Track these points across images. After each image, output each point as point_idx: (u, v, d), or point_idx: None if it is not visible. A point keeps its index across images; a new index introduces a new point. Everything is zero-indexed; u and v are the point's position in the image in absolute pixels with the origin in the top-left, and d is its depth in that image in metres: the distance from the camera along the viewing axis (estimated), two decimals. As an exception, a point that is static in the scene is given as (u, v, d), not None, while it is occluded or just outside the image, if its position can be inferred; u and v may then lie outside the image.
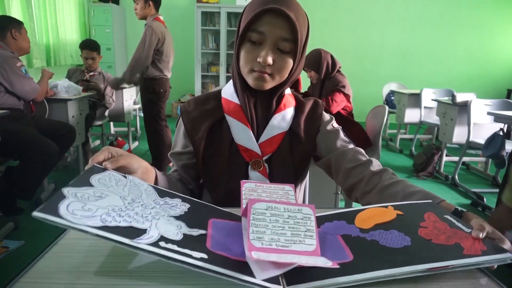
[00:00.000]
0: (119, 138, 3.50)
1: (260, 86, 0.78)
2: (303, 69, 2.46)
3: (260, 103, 0.84)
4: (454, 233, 0.54)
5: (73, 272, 0.50)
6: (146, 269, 0.51)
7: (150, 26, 2.63)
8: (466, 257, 0.49)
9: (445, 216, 0.59)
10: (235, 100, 0.84)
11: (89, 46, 3.10)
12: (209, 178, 0.87)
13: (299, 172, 0.90)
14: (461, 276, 0.51)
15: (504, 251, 0.50)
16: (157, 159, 2.96)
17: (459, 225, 0.56)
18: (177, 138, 0.91)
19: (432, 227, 0.57)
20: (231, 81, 0.88)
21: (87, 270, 0.50)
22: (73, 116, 2.67)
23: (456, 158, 3.33)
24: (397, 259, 0.49)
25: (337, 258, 0.51)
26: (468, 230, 0.54)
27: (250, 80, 0.79)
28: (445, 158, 3.36)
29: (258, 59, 0.75)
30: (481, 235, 0.52)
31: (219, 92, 0.90)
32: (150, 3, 2.66)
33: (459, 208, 0.62)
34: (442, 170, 3.33)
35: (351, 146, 0.87)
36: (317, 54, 2.35)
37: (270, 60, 0.74)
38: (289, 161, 0.85)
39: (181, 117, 0.89)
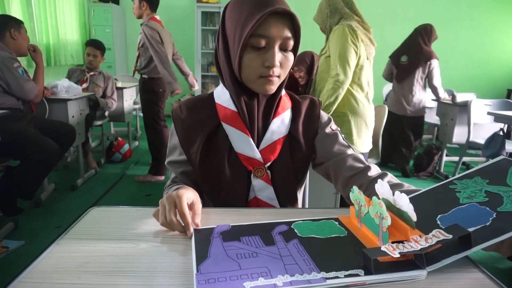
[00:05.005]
0: (119, 138, 3.49)
1: (269, 90, 0.75)
2: (292, 69, 2.51)
3: (260, 109, 0.81)
4: None
5: (73, 272, 0.50)
6: (146, 269, 0.51)
7: (146, 25, 2.65)
8: (379, 274, 0.48)
9: None
10: (232, 107, 0.80)
11: (94, 44, 3.18)
12: (209, 187, 0.84)
13: (300, 175, 0.88)
14: (461, 276, 0.51)
15: (420, 268, 0.50)
16: (157, 159, 2.95)
17: None
18: (172, 146, 0.88)
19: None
20: (221, 86, 0.83)
21: (87, 270, 0.50)
22: (73, 116, 2.67)
23: (456, 158, 3.33)
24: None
25: None
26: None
27: (257, 86, 0.75)
28: (445, 158, 3.36)
29: (265, 64, 0.72)
30: None
31: (211, 96, 0.85)
32: (144, 3, 2.69)
33: None
34: (442, 170, 3.33)
35: (349, 150, 0.85)
36: (310, 56, 2.44)
37: (278, 63, 0.73)
38: (290, 165, 0.84)
39: (174, 125, 0.86)
